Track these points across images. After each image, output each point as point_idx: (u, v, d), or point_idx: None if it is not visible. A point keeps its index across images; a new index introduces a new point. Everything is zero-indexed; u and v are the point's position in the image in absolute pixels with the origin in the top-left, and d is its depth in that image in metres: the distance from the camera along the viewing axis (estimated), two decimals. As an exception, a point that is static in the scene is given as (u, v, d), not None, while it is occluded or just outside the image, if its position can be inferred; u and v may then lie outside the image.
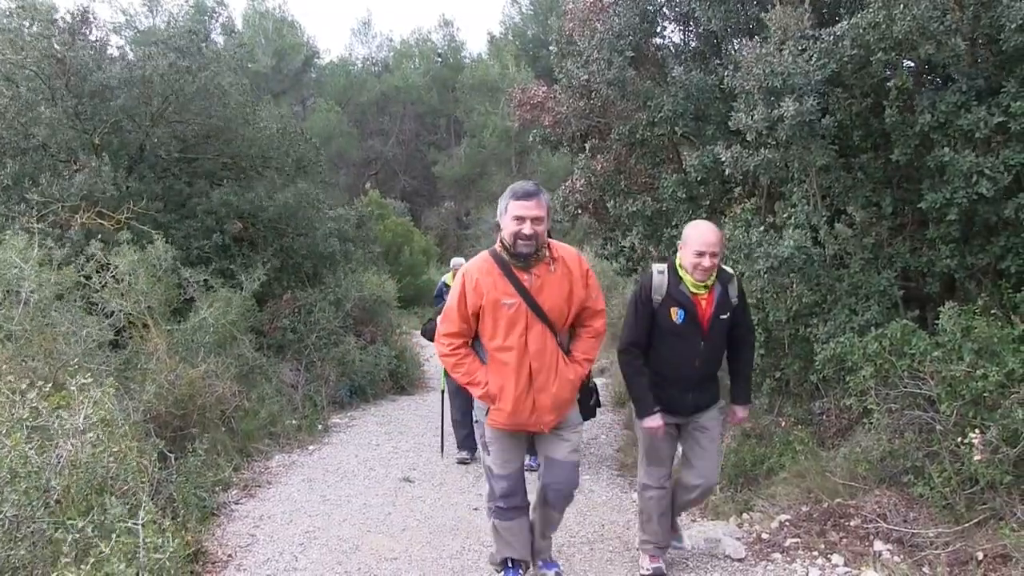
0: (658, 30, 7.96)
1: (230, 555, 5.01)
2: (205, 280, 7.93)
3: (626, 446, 7.53)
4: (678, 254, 4.25)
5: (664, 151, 8.07)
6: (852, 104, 5.82)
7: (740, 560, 4.77)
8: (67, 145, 8.63)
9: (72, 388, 4.37)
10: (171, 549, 3.80)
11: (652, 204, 7.58)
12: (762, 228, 6.00)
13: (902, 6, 5.08)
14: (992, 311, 4.97)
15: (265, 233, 10.10)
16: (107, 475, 4.15)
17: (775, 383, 6.63)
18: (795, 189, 6.14)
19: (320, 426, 8.57)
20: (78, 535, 3.53)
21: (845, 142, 6.00)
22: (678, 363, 4.28)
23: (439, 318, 4.01)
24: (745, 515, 5.40)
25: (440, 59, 41.01)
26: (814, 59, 5.41)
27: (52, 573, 3.38)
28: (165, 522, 4.39)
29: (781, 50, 5.55)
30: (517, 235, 3.81)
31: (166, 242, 7.56)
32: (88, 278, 6.69)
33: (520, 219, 3.79)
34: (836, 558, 4.55)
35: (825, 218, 6.04)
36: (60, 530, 3.56)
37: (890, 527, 4.62)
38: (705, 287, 4.19)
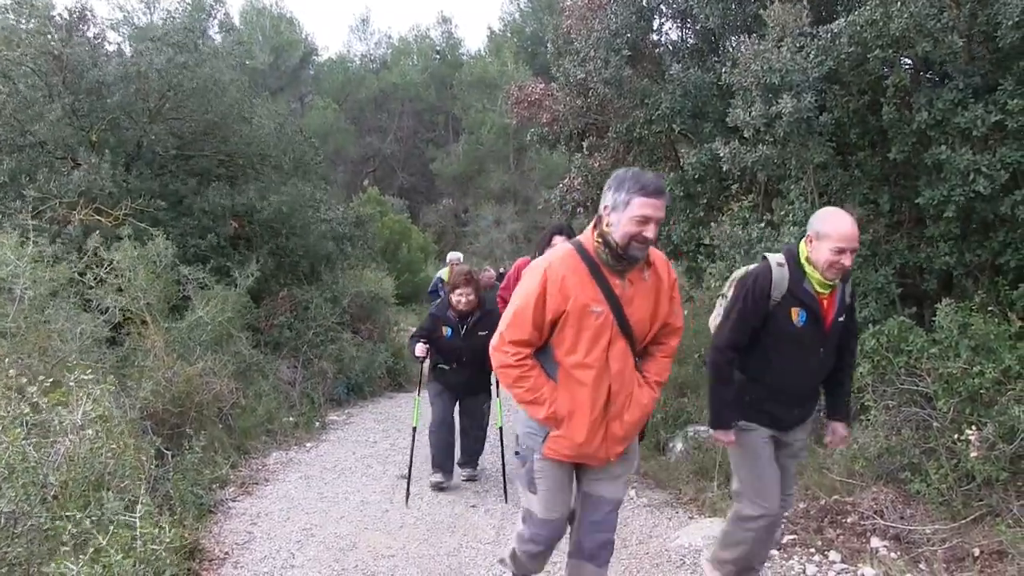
0: (655, 28, 7.98)
1: (227, 552, 5.00)
2: (202, 278, 7.92)
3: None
4: (802, 246, 3.66)
5: (661, 149, 8.08)
6: (849, 101, 5.83)
7: (737, 557, 4.76)
8: (64, 142, 8.62)
9: (71, 384, 4.36)
10: (167, 540, 3.79)
11: (650, 202, 7.58)
12: (762, 225, 6.01)
13: (899, 4, 5.09)
14: (989, 308, 4.99)
15: (261, 232, 10.09)
16: (105, 471, 4.15)
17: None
18: (793, 186, 6.15)
19: (317, 423, 8.56)
20: (76, 527, 3.53)
21: (842, 139, 6.00)
22: (793, 372, 3.72)
23: (503, 323, 3.26)
24: (742, 512, 5.39)
25: (438, 56, 41.03)
26: (812, 56, 5.41)
27: (50, 565, 3.38)
28: (163, 519, 4.41)
29: (779, 47, 5.56)
30: (635, 237, 3.12)
31: (165, 239, 7.54)
32: (82, 274, 6.68)
33: (644, 220, 3.10)
34: (833, 555, 4.56)
35: (822, 215, 6.03)
36: (59, 521, 3.56)
37: (887, 524, 4.63)
38: (831, 286, 3.64)
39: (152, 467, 5.17)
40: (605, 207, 3.19)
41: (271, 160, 10.77)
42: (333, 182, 28.34)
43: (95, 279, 6.70)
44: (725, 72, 6.11)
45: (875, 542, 4.55)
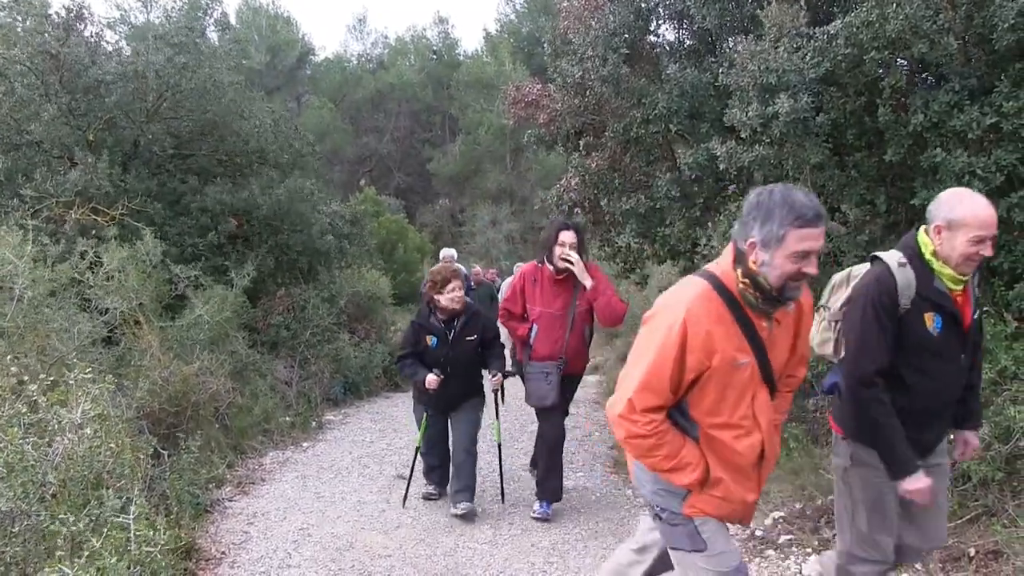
0: (653, 28, 7.97)
1: (224, 552, 5.01)
2: (196, 277, 7.91)
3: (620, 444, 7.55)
4: (923, 239, 3.06)
5: (658, 149, 8.07)
6: (846, 102, 5.84)
7: (733, 557, 4.77)
8: (61, 141, 8.61)
9: (70, 382, 4.37)
10: (162, 542, 3.80)
11: (646, 202, 7.58)
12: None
13: (895, 5, 5.10)
14: (985, 309, 4.99)
15: (260, 230, 10.09)
16: (103, 470, 4.15)
17: (769, 381, 6.64)
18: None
19: (314, 423, 8.57)
20: (72, 529, 3.53)
21: (839, 140, 6.01)
22: (933, 389, 3.09)
23: (629, 385, 2.63)
24: (739, 512, 5.40)
25: (435, 56, 41.04)
26: (808, 57, 5.42)
27: (45, 568, 3.38)
28: (158, 519, 4.41)
29: (776, 47, 5.57)
30: (793, 276, 2.58)
31: (161, 239, 7.54)
32: (82, 274, 6.67)
33: (805, 255, 2.55)
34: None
35: (819, 216, 6.05)
36: (55, 524, 3.56)
37: (883, 524, 4.63)
38: (963, 281, 3.07)
39: (148, 467, 5.18)
40: (751, 242, 2.60)
41: (269, 157, 10.76)
42: (330, 182, 28.37)
43: (94, 279, 6.69)
44: (722, 72, 6.13)
45: (871, 542, 4.56)
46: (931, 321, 3.03)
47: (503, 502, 5.94)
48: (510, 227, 31.35)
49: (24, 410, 4.06)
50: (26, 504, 3.60)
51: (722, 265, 2.72)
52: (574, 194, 8.49)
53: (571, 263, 5.40)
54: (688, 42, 7.99)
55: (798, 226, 2.52)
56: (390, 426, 8.78)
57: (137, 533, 3.73)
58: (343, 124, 36.27)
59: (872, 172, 5.96)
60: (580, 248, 5.49)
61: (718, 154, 6.10)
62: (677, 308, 2.62)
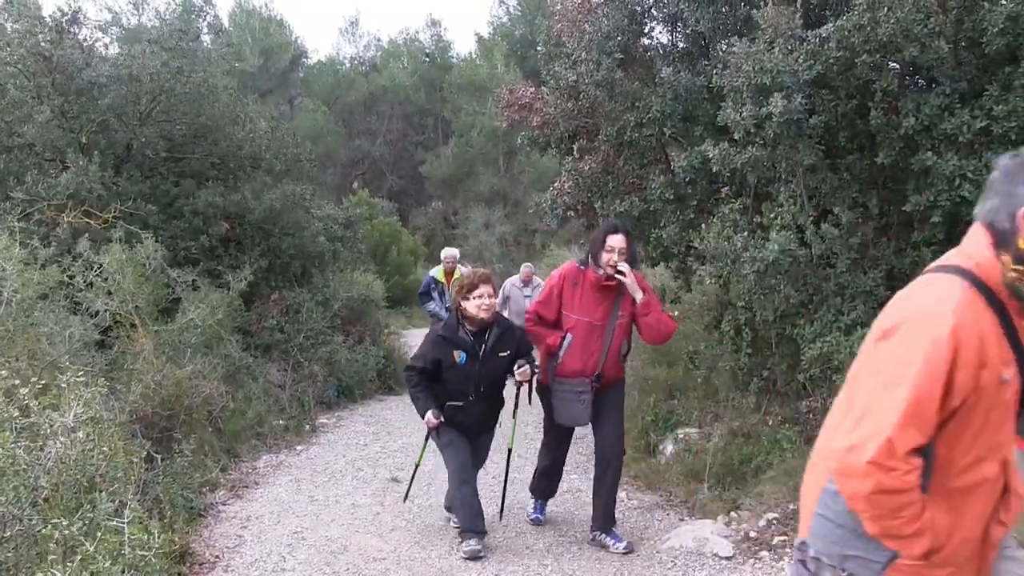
0: (646, 31, 7.98)
1: (217, 556, 5.00)
2: (192, 280, 7.90)
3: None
4: (989, 253, 2.04)
5: (652, 152, 8.08)
6: (837, 105, 5.86)
7: (728, 558, 4.80)
8: (53, 144, 8.59)
9: (63, 386, 4.35)
10: (156, 545, 3.79)
11: (640, 204, 7.59)
12: (746, 233, 6.04)
13: (886, 9, 5.12)
14: (976, 311, 5.02)
15: (252, 234, 10.08)
16: (96, 473, 4.14)
17: (762, 383, 6.67)
18: (782, 189, 6.18)
19: (307, 426, 8.56)
20: (65, 532, 3.52)
21: (831, 143, 6.03)
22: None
23: (881, 422, 1.88)
24: (733, 513, 5.43)
25: (428, 59, 41.08)
26: (801, 60, 5.45)
27: (37, 572, 3.37)
28: (152, 523, 4.40)
29: (771, 48, 5.59)
30: None
31: (155, 242, 7.53)
32: (72, 277, 6.65)
33: None
34: (822, 556, 4.58)
35: (812, 218, 6.07)
36: (47, 528, 3.55)
37: (875, 525, 4.65)
38: None
39: (142, 470, 5.17)
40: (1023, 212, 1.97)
41: (263, 162, 10.76)
42: (323, 184, 28.33)
43: (85, 282, 6.67)
44: (716, 74, 6.14)
45: (864, 543, 4.57)
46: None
47: (500, 519, 5.58)
48: (503, 230, 31.34)
49: (16, 414, 4.05)
50: (18, 509, 3.58)
51: (974, 254, 2.06)
52: (567, 197, 8.49)
53: (623, 275, 4.84)
54: (682, 45, 8.01)
55: None
56: (384, 429, 8.78)
57: (131, 536, 3.72)
58: (336, 127, 36.29)
59: (864, 175, 5.99)
60: (629, 254, 4.92)
61: (711, 156, 6.11)
62: (941, 316, 1.95)
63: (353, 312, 11.58)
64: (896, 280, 6.02)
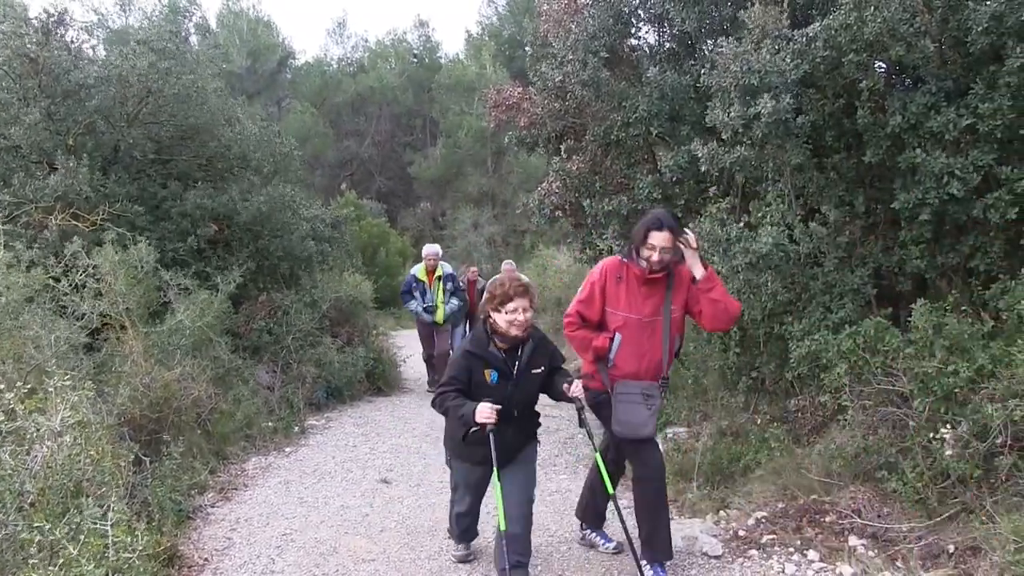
0: (632, 31, 8.01)
1: (206, 559, 4.98)
2: (184, 283, 7.86)
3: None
4: None
5: (639, 151, 8.11)
6: (825, 104, 5.89)
7: (717, 557, 4.80)
8: (40, 146, 8.53)
9: (49, 390, 4.33)
10: (140, 548, 3.76)
11: (628, 204, 7.61)
12: (740, 225, 6.06)
13: (873, 8, 5.15)
14: (962, 308, 5.06)
15: (241, 235, 10.04)
16: (83, 478, 4.12)
17: (751, 381, 6.69)
18: (770, 188, 6.20)
19: (297, 428, 8.53)
20: (49, 537, 3.50)
21: (818, 142, 6.06)
22: None
23: None
24: (722, 512, 5.44)
25: (416, 59, 41.05)
26: (788, 59, 5.47)
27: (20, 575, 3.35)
28: (140, 526, 4.37)
29: (759, 48, 5.61)
30: None
31: (146, 244, 7.50)
32: (57, 280, 6.61)
33: None
34: (812, 554, 4.60)
35: (799, 217, 6.10)
36: (27, 534, 3.53)
37: (864, 522, 4.68)
38: None
39: (130, 473, 5.14)
40: None
41: (252, 164, 10.72)
42: (311, 186, 28.28)
43: (71, 285, 6.63)
44: (704, 74, 6.16)
45: (853, 540, 4.60)
46: None
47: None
48: (492, 230, 31.35)
49: (1, 418, 4.02)
50: (3, 514, 3.56)
51: None
52: (556, 197, 8.51)
53: (687, 244, 4.32)
54: (668, 45, 8.03)
55: None
56: (373, 430, 8.76)
57: (115, 539, 3.70)
58: (324, 128, 36.21)
59: (851, 173, 6.02)
60: (675, 252, 4.37)
61: (700, 156, 6.13)
62: None
63: (342, 313, 11.54)
64: (883, 278, 6.06)
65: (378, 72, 38.99)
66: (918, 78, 5.66)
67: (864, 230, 6.09)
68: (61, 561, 3.40)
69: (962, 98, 5.27)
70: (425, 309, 10.63)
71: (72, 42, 9.50)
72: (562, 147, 8.29)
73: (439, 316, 10.68)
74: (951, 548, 4.23)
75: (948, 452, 4.39)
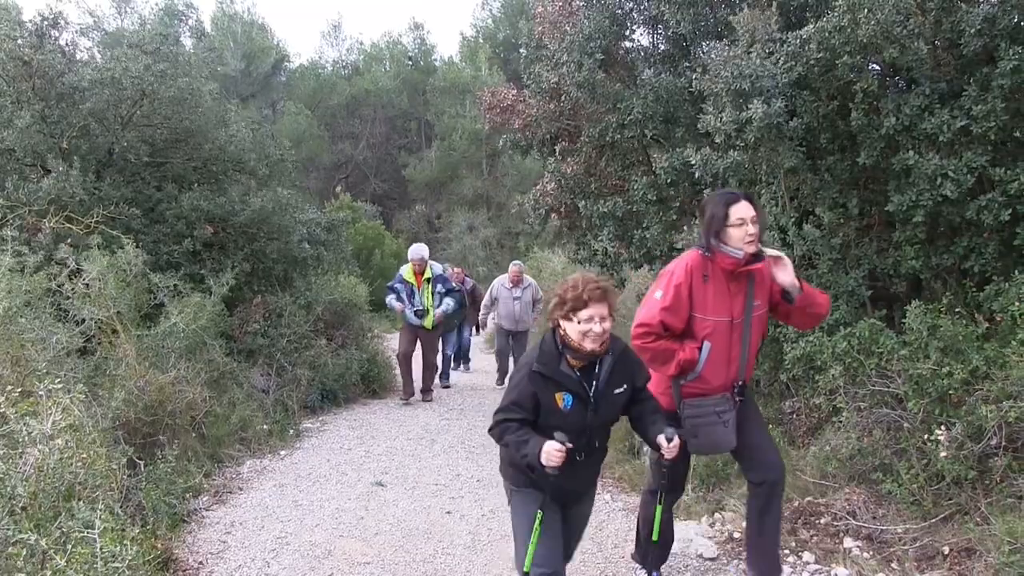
0: (627, 33, 8.03)
1: (201, 562, 4.96)
2: (175, 285, 7.84)
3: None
4: None
5: (634, 153, 8.12)
6: (819, 106, 5.90)
7: (712, 559, 4.81)
8: (33, 149, 8.51)
9: (41, 394, 4.31)
10: (129, 557, 3.74)
11: (623, 205, 7.61)
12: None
13: (866, 10, 5.16)
14: (957, 310, 5.07)
15: (236, 238, 10.02)
16: (75, 481, 4.10)
17: (745, 383, 6.68)
18: (763, 191, 6.21)
19: (291, 431, 8.51)
20: (37, 545, 3.47)
21: (812, 144, 6.07)
22: None
23: None
24: (717, 515, 5.44)
25: (410, 62, 41.10)
26: (781, 62, 5.48)
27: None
28: (134, 530, 4.36)
29: (749, 53, 5.62)
30: None
31: (136, 247, 7.47)
32: (60, 285, 6.59)
33: None
34: (807, 556, 4.60)
35: (793, 219, 6.11)
36: (16, 543, 3.50)
37: (859, 524, 4.68)
38: None
39: (124, 477, 5.12)
40: None
41: (247, 166, 10.70)
42: (306, 188, 28.27)
43: (72, 289, 6.61)
44: (696, 78, 6.17)
45: (848, 542, 4.60)
46: None
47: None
48: (487, 232, 31.38)
49: (-7, 422, 4.01)
50: (-5, 517, 3.54)
51: None
52: (550, 198, 8.52)
53: (780, 258, 3.85)
54: (663, 47, 8.05)
55: None
56: (368, 433, 8.75)
57: (103, 549, 3.67)
58: (319, 131, 36.24)
59: (845, 175, 6.02)
60: (761, 224, 3.86)
61: (693, 162, 6.14)
62: None
63: (336, 316, 11.52)
64: (878, 280, 6.07)
65: (373, 75, 39.05)
66: (912, 80, 5.67)
67: (858, 232, 6.10)
68: (49, 574, 3.38)
69: (955, 100, 5.28)
70: (415, 313, 10.19)
71: (67, 45, 9.49)
72: (557, 149, 8.30)
73: (428, 322, 10.22)
74: (946, 549, 4.23)
75: (943, 454, 4.40)
